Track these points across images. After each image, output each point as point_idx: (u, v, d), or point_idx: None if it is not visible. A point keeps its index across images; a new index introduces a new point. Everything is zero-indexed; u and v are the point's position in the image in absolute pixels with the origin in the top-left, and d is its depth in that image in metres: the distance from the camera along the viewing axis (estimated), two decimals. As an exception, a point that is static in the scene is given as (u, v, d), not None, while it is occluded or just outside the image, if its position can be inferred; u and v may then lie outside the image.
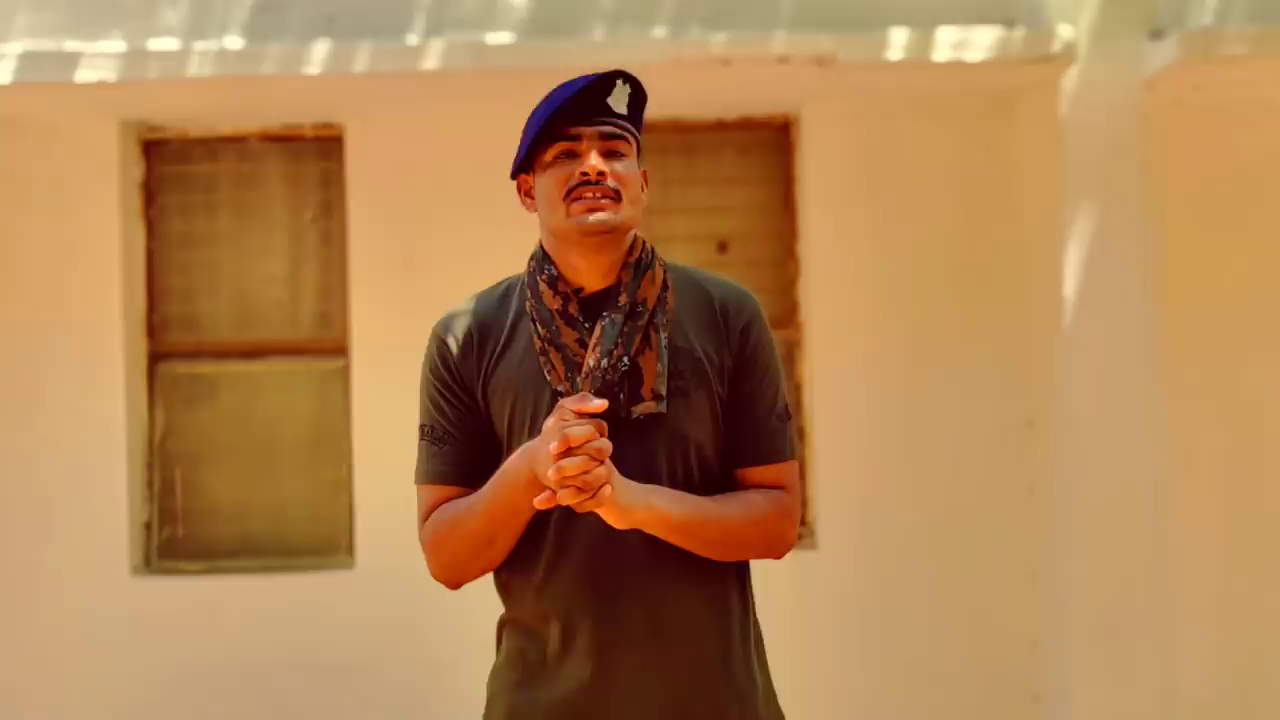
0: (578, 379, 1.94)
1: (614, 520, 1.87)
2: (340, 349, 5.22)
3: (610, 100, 1.97)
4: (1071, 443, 4.81)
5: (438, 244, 5.10)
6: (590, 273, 2.00)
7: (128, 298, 5.15)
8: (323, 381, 5.27)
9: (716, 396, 2.00)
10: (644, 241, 2.05)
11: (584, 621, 1.94)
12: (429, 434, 2.04)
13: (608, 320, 1.96)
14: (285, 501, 5.24)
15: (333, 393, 5.24)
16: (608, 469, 1.82)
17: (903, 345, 5.17)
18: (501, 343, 2.02)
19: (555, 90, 1.97)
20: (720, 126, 5.31)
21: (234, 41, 4.80)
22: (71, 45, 4.75)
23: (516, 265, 2.12)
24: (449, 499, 2.01)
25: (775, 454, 2.03)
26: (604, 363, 1.94)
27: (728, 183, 5.33)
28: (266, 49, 4.68)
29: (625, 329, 1.96)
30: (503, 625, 2.05)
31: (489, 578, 2.05)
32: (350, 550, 5.16)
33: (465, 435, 2.02)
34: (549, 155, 1.98)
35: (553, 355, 1.96)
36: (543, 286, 2.01)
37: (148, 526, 5.20)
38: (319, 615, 5.06)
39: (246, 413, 5.27)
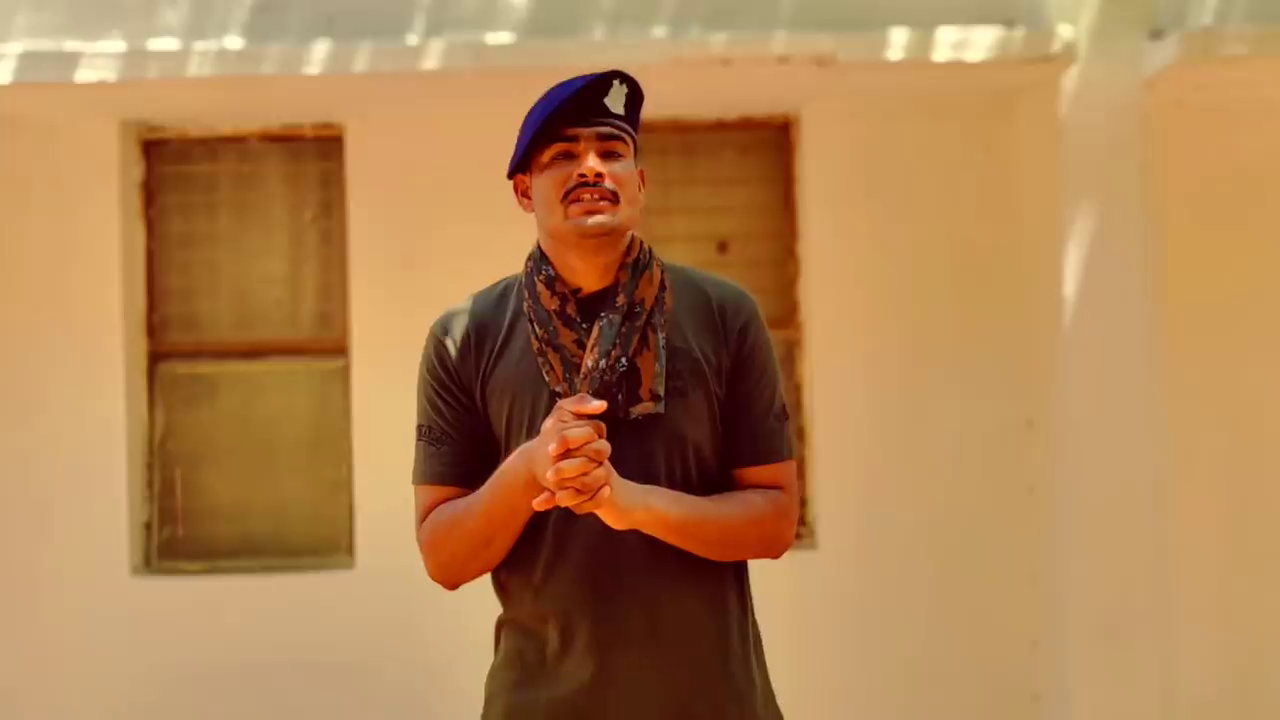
0: (576, 380, 1.94)
1: (612, 521, 1.87)
2: (340, 349, 5.22)
3: (607, 101, 1.97)
4: (1071, 443, 4.81)
5: (438, 244, 5.10)
6: (588, 273, 2.00)
7: (128, 298, 5.15)
8: (323, 381, 5.27)
9: (714, 397, 2.00)
10: (641, 242, 2.05)
11: (582, 622, 1.94)
12: (426, 434, 2.04)
13: (605, 321, 1.96)
14: (285, 501, 5.24)
15: (333, 393, 5.24)
16: (607, 470, 1.82)
17: (903, 345, 5.17)
18: (499, 343, 2.02)
19: (552, 90, 1.97)
20: (720, 126, 5.31)
21: (234, 41, 4.80)
22: (71, 45, 4.75)
23: (517, 265, 2.12)
24: (447, 499, 2.01)
25: (773, 454, 2.03)
26: (602, 363, 1.94)
27: (728, 183, 5.33)
28: (266, 49, 4.68)
29: (623, 329, 1.96)
30: (500, 625, 2.05)
31: (486, 578, 2.05)
32: (350, 550, 5.16)
33: (463, 436, 2.02)
34: (546, 156, 1.98)
35: (550, 356, 1.96)
36: (540, 287, 2.01)
37: (148, 526, 5.20)
38: (319, 615, 5.06)
39: (246, 413, 5.27)
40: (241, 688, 5.03)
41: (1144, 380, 4.76)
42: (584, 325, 1.97)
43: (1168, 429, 4.83)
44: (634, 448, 1.93)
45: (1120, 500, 4.73)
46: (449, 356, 2.03)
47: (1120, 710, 4.71)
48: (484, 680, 2.08)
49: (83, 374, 5.09)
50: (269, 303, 5.30)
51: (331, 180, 5.28)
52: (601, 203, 1.95)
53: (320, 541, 5.21)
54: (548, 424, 1.85)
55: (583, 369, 1.94)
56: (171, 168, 5.29)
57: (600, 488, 1.81)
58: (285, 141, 5.29)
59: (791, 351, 5.22)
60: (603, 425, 1.84)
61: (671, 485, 1.95)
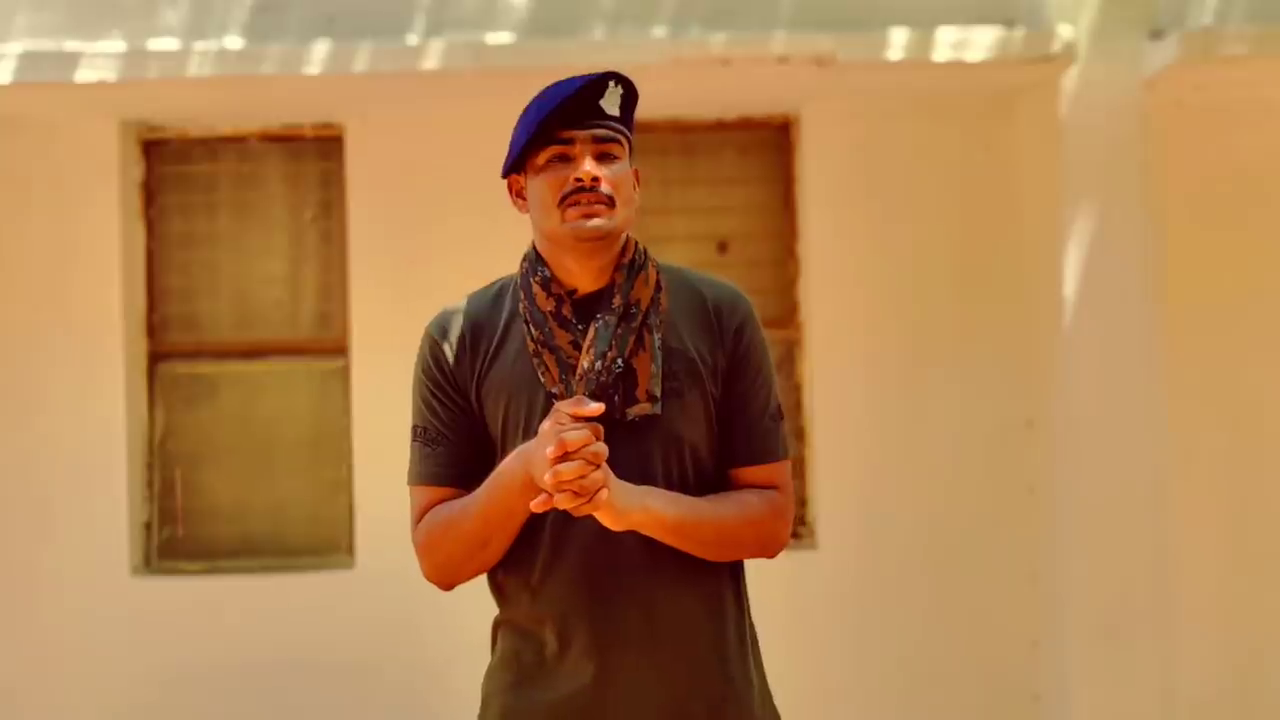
0: (572, 381, 1.94)
1: (610, 523, 1.87)
2: (340, 349, 5.22)
3: (603, 103, 1.97)
4: (1071, 443, 4.81)
5: (438, 244, 5.10)
6: (583, 275, 2.00)
7: (128, 298, 5.15)
8: (323, 381, 5.27)
9: (710, 397, 2.00)
10: (636, 243, 2.05)
11: (580, 623, 1.94)
12: (422, 435, 2.03)
13: (601, 322, 1.96)
14: (285, 501, 5.24)
15: (333, 393, 5.24)
16: (604, 473, 1.82)
17: (903, 345, 5.17)
18: (495, 344, 2.02)
19: (547, 91, 1.96)
20: (720, 126, 5.31)
21: (234, 41, 4.80)
22: (71, 45, 4.75)
23: (517, 264, 2.12)
24: (442, 500, 2.01)
25: (768, 454, 2.03)
26: (598, 365, 1.93)
27: (728, 183, 5.33)
28: (266, 49, 4.68)
29: (619, 330, 1.96)
30: (497, 626, 2.05)
31: (482, 578, 2.05)
32: (350, 550, 5.16)
33: (458, 436, 2.02)
34: (541, 158, 1.98)
35: (546, 357, 1.96)
36: (536, 288, 2.01)
37: (148, 526, 5.20)
38: (319, 615, 5.06)
39: (246, 413, 5.27)
40: (241, 688, 5.03)
41: (1144, 380, 4.76)
42: (580, 326, 1.97)
43: (1168, 429, 4.83)
44: (630, 449, 1.93)
45: (1120, 500, 4.73)
46: (444, 357, 2.03)
47: (1120, 710, 4.71)
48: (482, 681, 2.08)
49: (83, 374, 5.10)
50: (269, 303, 5.30)
51: (331, 180, 5.28)
52: (598, 206, 1.95)
53: (320, 541, 5.22)
54: (545, 426, 1.85)
55: (579, 370, 1.94)
56: (171, 168, 5.30)
57: (598, 490, 1.81)
58: (285, 141, 5.29)
59: (791, 351, 5.22)
60: (600, 428, 1.84)
61: (668, 486, 1.95)
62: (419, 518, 2.03)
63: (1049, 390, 4.97)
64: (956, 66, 4.72)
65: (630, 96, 2.01)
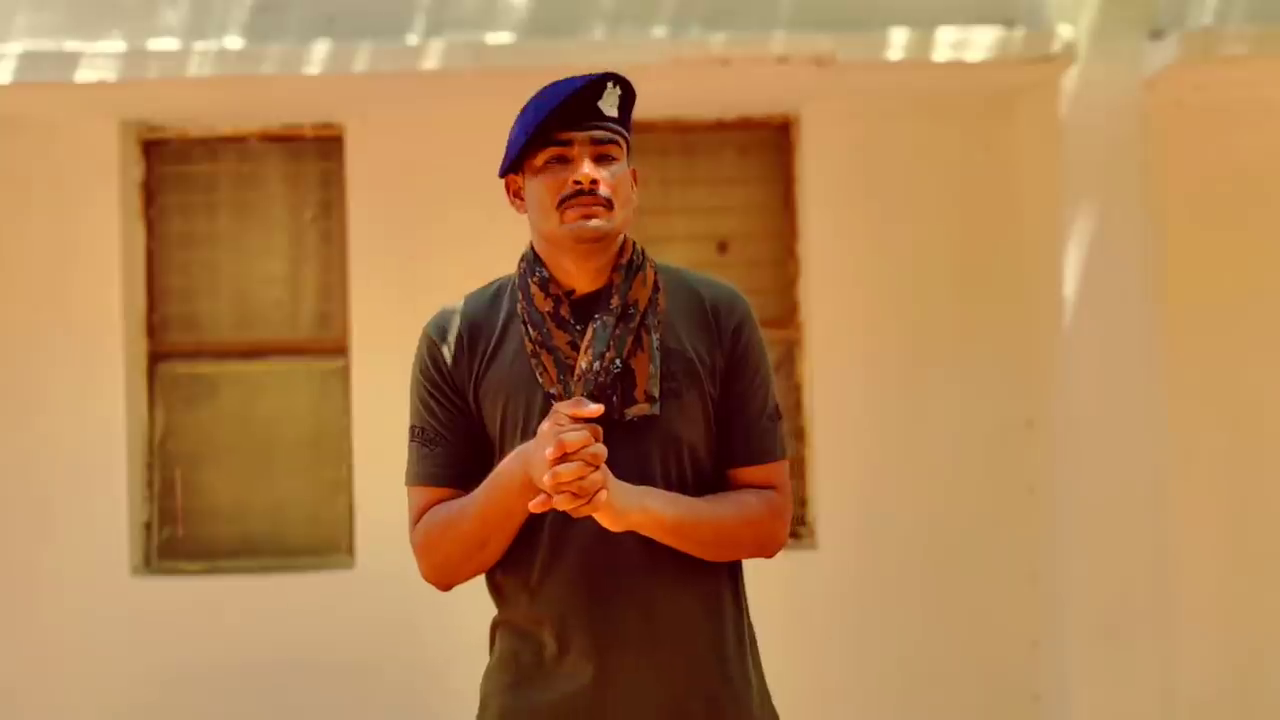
0: (570, 381, 1.94)
1: (609, 523, 1.87)
2: (340, 349, 5.22)
3: (601, 104, 1.96)
4: (1071, 443, 4.81)
5: (438, 243, 5.10)
6: (581, 276, 2.00)
7: (128, 298, 5.15)
8: (323, 381, 5.27)
9: (708, 397, 2.00)
10: (634, 243, 2.05)
11: (579, 624, 1.94)
12: (420, 435, 2.03)
13: (599, 322, 1.96)
14: (285, 501, 5.24)
15: (333, 393, 5.24)
16: (603, 474, 1.82)
17: (903, 345, 5.17)
18: (492, 344, 2.02)
19: (545, 91, 1.96)
20: (720, 126, 5.31)
21: (234, 41, 4.80)
22: (71, 45, 4.75)
23: (516, 265, 2.12)
24: (441, 501, 2.01)
25: (766, 454, 2.03)
26: (596, 365, 1.93)
27: (728, 183, 5.33)
28: (266, 49, 4.68)
29: (617, 331, 1.96)
30: (495, 627, 2.05)
31: (481, 579, 2.04)
32: (350, 550, 5.16)
33: (456, 437, 2.01)
34: (540, 160, 1.97)
35: (544, 358, 1.96)
36: (534, 288, 2.01)
37: (148, 526, 5.20)
38: (319, 615, 5.06)
39: (246, 413, 5.27)
40: (241, 688, 5.03)
41: (1144, 380, 4.76)
42: (578, 327, 1.97)
43: (1168, 429, 4.83)
44: (629, 449, 1.93)
45: (1120, 500, 4.73)
46: (442, 357, 2.02)
47: (1120, 710, 4.71)
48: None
49: (83, 374, 5.10)
50: (269, 303, 5.30)
51: (331, 180, 5.28)
52: (596, 208, 1.94)
53: (320, 542, 5.22)
54: (544, 427, 1.84)
55: (577, 371, 1.94)
56: (171, 168, 5.30)
57: (597, 491, 1.81)
58: (285, 141, 5.30)
59: (791, 351, 5.22)
60: (599, 429, 1.83)
61: (667, 486, 1.95)
62: (417, 518, 2.03)
63: (1049, 390, 4.97)
64: (956, 66, 4.72)
65: (628, 97, 2.01)
